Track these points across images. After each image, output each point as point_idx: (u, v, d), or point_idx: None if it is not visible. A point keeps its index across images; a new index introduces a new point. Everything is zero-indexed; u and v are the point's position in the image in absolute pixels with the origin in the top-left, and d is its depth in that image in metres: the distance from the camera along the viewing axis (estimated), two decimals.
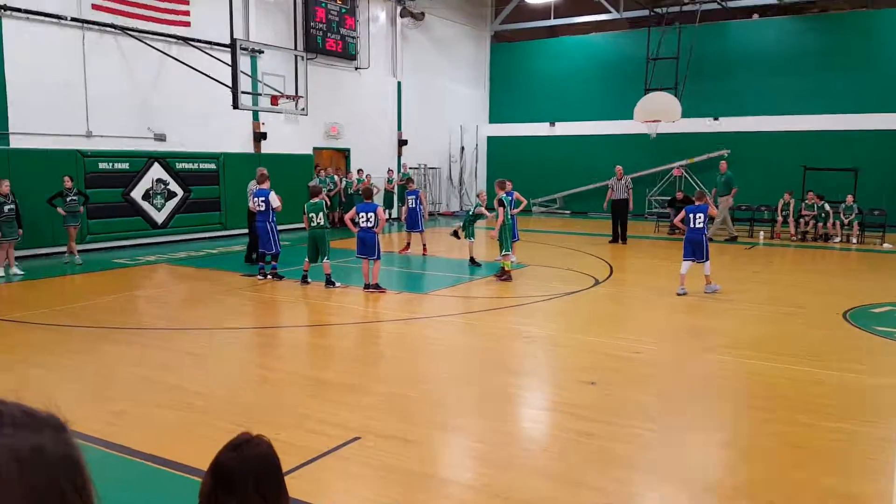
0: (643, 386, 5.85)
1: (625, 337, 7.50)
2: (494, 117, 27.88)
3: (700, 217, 9.79)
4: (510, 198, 12.48)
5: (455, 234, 12.84)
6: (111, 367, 6.32)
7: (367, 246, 9.86)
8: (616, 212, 16.12)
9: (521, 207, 12.88)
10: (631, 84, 23.56)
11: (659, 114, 19.74)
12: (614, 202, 16.22)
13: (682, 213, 10.09)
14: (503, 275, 10.91)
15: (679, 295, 9.75)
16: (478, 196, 12.41)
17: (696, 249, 9.89)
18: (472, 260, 12.37)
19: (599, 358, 6.69)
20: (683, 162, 23.08)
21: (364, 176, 20.13)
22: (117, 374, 6.12)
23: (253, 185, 11.91)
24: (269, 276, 10.88)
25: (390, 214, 21.40)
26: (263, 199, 10.83)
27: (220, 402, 5.35)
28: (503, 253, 10.92)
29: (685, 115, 20.64)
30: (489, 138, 27.95)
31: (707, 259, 9.82)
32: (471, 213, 12.39)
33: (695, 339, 7.56)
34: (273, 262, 10.87)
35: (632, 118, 20.62)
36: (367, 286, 9.96)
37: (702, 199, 10.02)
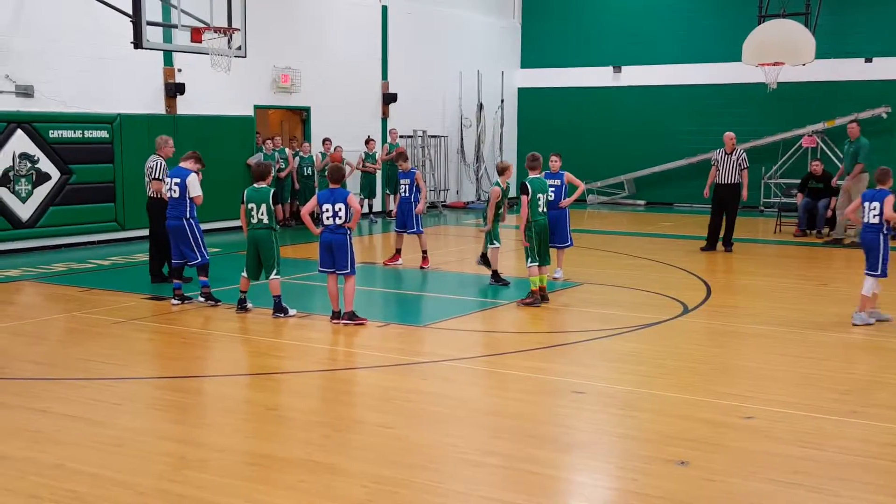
0: (759, 467, 5.83)
1: (730, 393, 7.47)
2: (529, 60, 27.98)
3: (876, 207, 10.02)
4: (558, 181, 12.54)
5: (483, 258, 12.81)
6: None
7: (335, 254, 9.91)
8: (721, 202, 16.08)
9: (575, 196, 12.86)
10: (737, 8, 23.58)
11: (781, 53, 19.74)
12: (719, 188, 16.17)
13: (857, 203, 10.43)
14: (529, 297, 10.98)
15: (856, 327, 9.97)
16: (499, 170, 12.49)
17: (867, 255, 10.13)
18: (495, 275, 12.42)
19: (690, 425, 6.66)
20: (818, 126, 23.08)
21: (332, 149, 20.23)
22: None
23: (154, 162, 12.01)
24: (194, 299, 10.96)
25: (370, 206, 21.49)
26: (180, 181, 10.91)
27: (118, 493, 5.37)
28: (531, 263, 10.97)
29: (821, 54, 20.64)
30: (521, 91, 28.06)
31: (879, 272, 9.94)
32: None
33: (839, 395, 7.54)
34: (203, 278, 10.95)
35: (739, 60, 20.65)
36: (336, 315, 10.01)
37: (885, 181, 10.19)
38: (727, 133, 16.27)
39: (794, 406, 7.13)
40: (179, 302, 10.93)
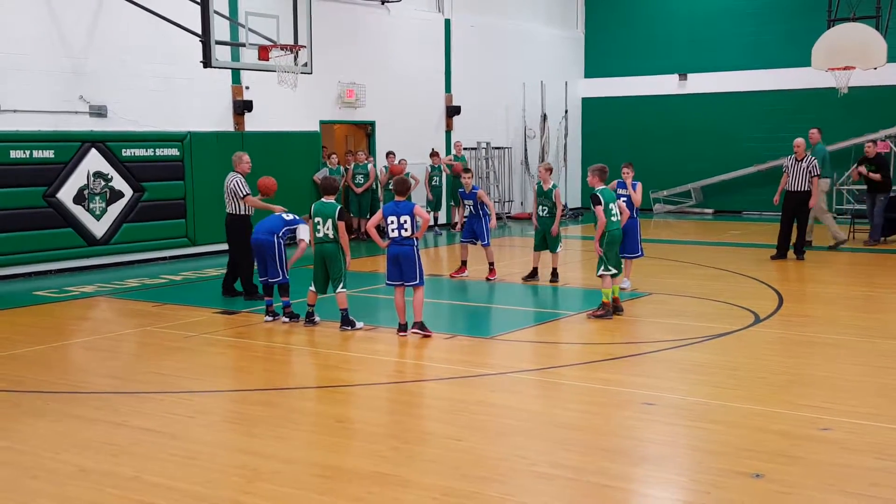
0: (836, 480, 5.72)
1: (804, 404, 7.35)
2: (593, 69, 27.89)
3: None
4: (629, 190, 12.60)
5: (554, 274, 13.56)
6: (33, 452, 6.51)
7: (403, 266, 9.95)
8: (791, 210, 15.82)
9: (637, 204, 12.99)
10: (806, 13, 23.22)
11: (852, 57, 19.37)
12: (789, 195, 15.93)
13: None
14: (601, 309, 10.91)
15: None
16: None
17: None
18: (553, 274, 13.44)
19: (765, 437, 6.56)
20: (892, 130, 22.60)
21: (397, 162, 20.34)
22: (43, 462, 6.29)
23: (235, 180, 12.20)
24: (279, 317, 11.03)
25: (435, 219, 21.53)
26: (298, 218, 11.16)
27: None
28: (601, 272, 10.90)
29: (893, 57, 20.24)
30: (585, 101, 27.98)
31: None
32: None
33: None
34: (285, 298, 11.04)
35: (809, 65, 20.33)
36: (402, 328, 10.06)
37: None
38: (797, 139, 16.02)
39: (871, 417, 6.98)
40: (272, 318, 11.01)
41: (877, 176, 17.48)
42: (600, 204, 10.84)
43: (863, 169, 17.76)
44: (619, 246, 11.24)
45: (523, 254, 17.07)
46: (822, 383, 8.15)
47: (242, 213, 12.28)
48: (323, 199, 10.45)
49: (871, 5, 21.01)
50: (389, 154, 20.46)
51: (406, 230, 9.87)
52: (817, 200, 16.15)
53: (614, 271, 10.94)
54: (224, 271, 13.02)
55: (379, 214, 10.24)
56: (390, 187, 19.55)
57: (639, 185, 12.66)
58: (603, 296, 10.92)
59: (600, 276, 10.90)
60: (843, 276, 14.60)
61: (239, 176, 12.22)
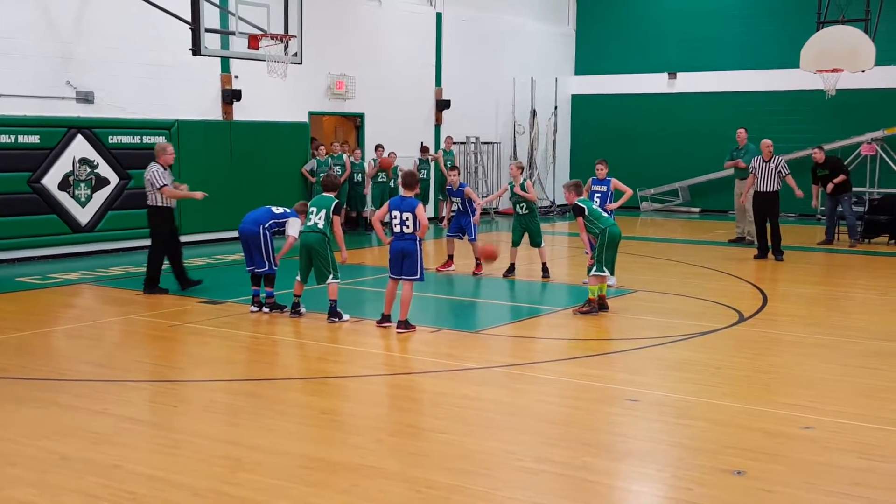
0: (818, 478, 5.74)
1: (788, 403, 7.38)
2: (584, 66, 27.94)
3: None
4: (604, 187, 12.97)
5: (544, 270, 13.64)
6: (13, 438, 6.48)
7: (406, 262, 9.91)
8: (763, 211, 15.95)
9: (621, 201, 13.13)
10: (795, 15, 23.31)
11: (840, 60, 19.48)
12: (758, 196, 16.06)
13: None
14: (586, 305, 10.91)
15: None
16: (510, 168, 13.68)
17: None
18: (544, 269, 13.52)
19: (748, 435, 6.58)
20: (878, 133, 22.73)
21: (385, 155, 20.29)
22: (23, 449, 6.26)
23: (152, 171, 11.91)
24: (262, 308, 10.97)
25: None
26: (290, 211, 11.02)
27: (175, 494, 5.45)
28: (595, 272, 10.85)
29: (881, 61, 20.33)
30: (575, 98, 28.03)
31: None
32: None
33: None
34: (269, 289, 11.00)
35: (797, 67, 20.43)
36: (387, 318, 10.05)
37: None
38: (764, 140, 16.29)
39: (855, 417, 7.02)
40: (257, 309, 10.96)
41: (841, 177, 17.66)
42: (582, 213, 10.88)
43: (815, 188, 18.09)
44: (618, 247, 11.13)
45: (509, 249, 17.09)
46: (805, 382, 8.20)
47: (162, 204, 12.03)
48: (323, 194, 10.60)
49: (861, 8, 21.10)
50: (378, 147, 20.40)
51: (408, 227, 9.86)
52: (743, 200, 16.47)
53: (607, 273, 10.93)
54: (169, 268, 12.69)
55: (385, 208, 10.18)
56: (379, 179, 19.83)
57: (613, 180, 13.06)
58: (589, 292, 10.94)
59: (593, 275, 10.87)
60: (827, 277, 14.68)
61: (159, 167, 11.95)
